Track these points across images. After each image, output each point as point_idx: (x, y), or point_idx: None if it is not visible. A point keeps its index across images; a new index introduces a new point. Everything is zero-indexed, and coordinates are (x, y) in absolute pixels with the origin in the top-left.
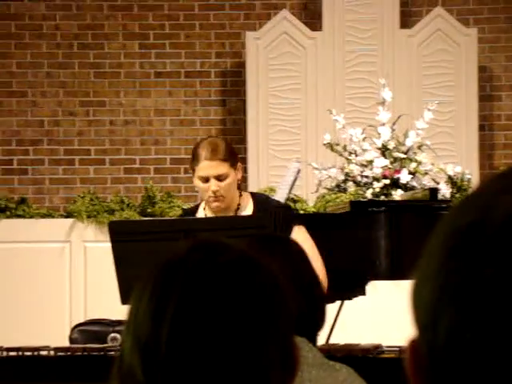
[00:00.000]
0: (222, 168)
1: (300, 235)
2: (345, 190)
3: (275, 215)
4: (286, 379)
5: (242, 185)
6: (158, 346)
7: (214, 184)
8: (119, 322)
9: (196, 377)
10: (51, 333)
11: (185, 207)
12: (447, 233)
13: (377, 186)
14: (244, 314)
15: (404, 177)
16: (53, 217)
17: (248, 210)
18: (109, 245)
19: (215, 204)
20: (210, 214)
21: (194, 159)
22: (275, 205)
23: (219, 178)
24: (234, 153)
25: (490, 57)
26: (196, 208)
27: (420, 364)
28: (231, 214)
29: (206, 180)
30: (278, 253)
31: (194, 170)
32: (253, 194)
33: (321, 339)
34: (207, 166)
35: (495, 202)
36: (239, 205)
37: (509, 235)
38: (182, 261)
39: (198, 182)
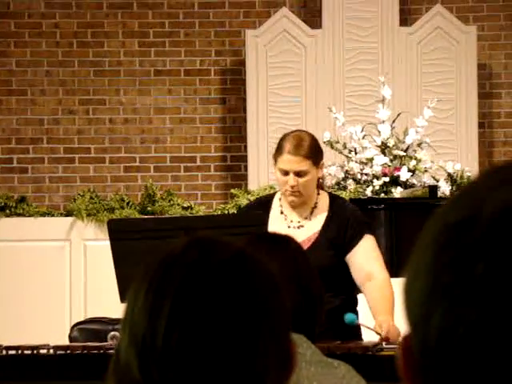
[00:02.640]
0: (304, 165)
1: (368, 243)
2: (345, 188)
3: (349, 220)
4: (282, 376)
5: (322, 183)
6: (154, 342)
7: (292, 179)
8: (119, 321)
9: (192, 374)
10: (51, 331)
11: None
12: (438, 229)
13: (377, 183)
14: (240, 311)
15: (404, 174)
16: (53, 215)
17: (323, 209)
18: (108, 243)
19: (291, 198)
20: (285, 207)
21: (278, 150)
22: (352, 209)
23: (299, 174)
24: (319, 150)
25: (490, 54)
26: (272, 197)
27: (412, 361)
28: (308, 211)
29: (285, 173)
30: (277, 251)
31: (275, 161)
32: (331, 195)
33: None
34: (289, 161)
35: (486, 198)
36: (316, 203)
37: (499, 231)
38: (179, 258)
39: (277, 173)
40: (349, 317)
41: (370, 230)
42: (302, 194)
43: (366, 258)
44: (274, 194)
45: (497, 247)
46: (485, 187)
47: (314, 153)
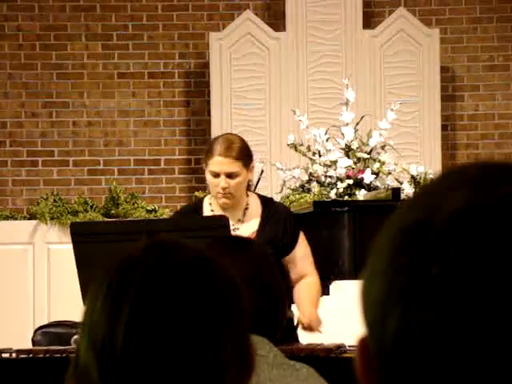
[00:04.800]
0: (235, 166)
1: (304, 244)
2: (309, 191)
3: (285, 220)
4: (242, 379)
5: (251, 185)
6: (114, 345)
7: (223, 181)
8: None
9: (151, 377)
10: (14, 335)
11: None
12: (394, 231)
13: (340, 186)
14: (199, 314)
15: (367, 177)
16: (16, 219)
17: (256, 210)
18: (72, 246)
19: (223, 200)
20: (217, 210)
21: (208, 153)
22: (284, 207)
23: (230, 176)
24: (249, 152)
25: (453, 57)
26: (200, 203)
27: (369, 362)
28: (240, 213)
29: (216, 175)
30: (240, 253)
31: (206, 164)
32: (260, 196)
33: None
34: (220, 162)
35: (442, 201)
36: (248, 204)
37: (455, 233)
38: (138, 260)
39: (208, 176)
40: None
41: (300, 225)
42: (233, 195)
43: (302, 259)
44: (201, 199)
45: (452, 249)
46: (441, 190)
47: (244, 155)
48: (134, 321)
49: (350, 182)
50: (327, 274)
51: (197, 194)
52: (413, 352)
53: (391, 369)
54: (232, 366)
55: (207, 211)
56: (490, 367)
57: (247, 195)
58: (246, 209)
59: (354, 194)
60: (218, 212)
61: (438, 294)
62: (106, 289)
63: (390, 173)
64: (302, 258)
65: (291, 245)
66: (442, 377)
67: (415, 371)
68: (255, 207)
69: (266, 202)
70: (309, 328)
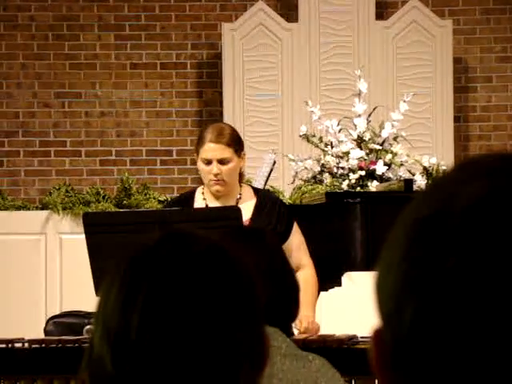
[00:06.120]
0: (226, 152)
1: (298, 233)
2: (321, 182)
3: (279, 208)
4: (256, 369)
5: (242, 175)
6: (128, 336)
7: (216, 167)
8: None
9: (165, 367)
10: (26, 325)
11: (166, 196)
12: (410, 222)
13: (353, 177)
14: (213, 304)
15: (380, 168)
16: (28, 209)
17: (250, 200)
18: (84, 237)
19: (215, 187)
20: (209, 199)
21: (199, 141)
22: (277, 197)
23: (222, 162)
24: (240, 140)
25: (466, 48)
26: (192, 193)
27: (384, 353)
28: (232, 203)
29: (208, 163)
30: (253, 244)
31: (198, 153)
32: (252, 187)
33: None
34: (211, 149)
35: (457, 192)
36: (240, 194)
37: (470, 225)
38: (152, 251)
39: (200, 164)
40: None
41: (293, 215)
42: (226, 182)
43: (297, 249)
44: (193, 190)
45: (467, 241)
46: (457, 180)
47: (235, 141)
48: (148, 312)
49: (363, 173)
50: (339, 266)
51: None
52: (428, 343)
53: (406, 360)
54: (246, 357)
55: (199, 201)
56: (505, 359)
57: (240, 185)
58: (239, 198)
59: (366, 185)
60: (211, 202)
61: (453, 285)
62: (120, 279)
63: (402, 164)
64: (297, 247)
65: (285, 234)
66: (458, 368)
67: (431, 362)
68: (248, 197)
69: (258, 192)
70: (305, 333)
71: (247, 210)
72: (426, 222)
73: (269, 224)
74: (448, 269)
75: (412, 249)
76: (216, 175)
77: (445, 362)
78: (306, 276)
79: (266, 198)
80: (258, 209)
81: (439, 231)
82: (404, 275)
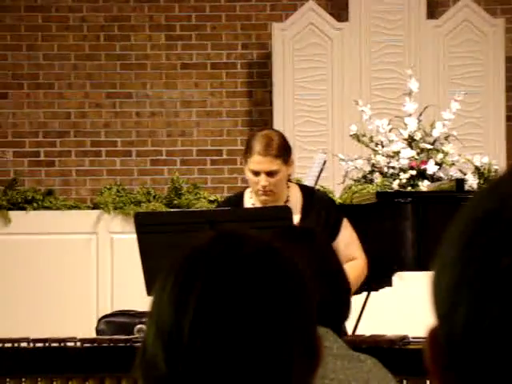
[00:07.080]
0: (275, 165)
1: (348, 229)
2: (371, 181)
3: (327, 207)
4: (309, 370)
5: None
6: (181, 335)
7: (264, 179)
8: (146, 313)
9: (218, 366)
10: (78, 324)
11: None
12: (466, 221)
13: (403, 176)
14: (266, 305)
15: (431, 168)
16: (79, 208)
17: (297, 201)
18: (135, 236)
19: (263, 198)
20: (257, 203)
21: (247, 151)
22: (325, 195)
23: (270, 174)
24: (288, 148)
25: None
26: (241, 195)
27: (439, 353)
28: (280, 204)
29: (256, 173)
30: (304, 244)
31: (246, 161)
32: (300, 185)
33: (347, 330)
34: (259, 161)
35: None
36: (288, 196)
37: None
38: (205, 251)
39: (248, 174)
40: None
41: (342, 213)
42: (274, 192)
43: (348, 244)
44: (242, 191)
45: None
46: None
47: (283, 151)
48: (202, 311)
49: (413, 172)
50: (390, 265)
51: None
52: (482, 343)
53: (461, 360)
54: (299, 358)
55: (248, 204)
56: None
57: (288, 186)
58: (287, 201)
59: (417, 184)
60: (259, 205)
61: (506, 286)
62: (173, 280)
63: (453, 164)
64: (348, 242)
65: (334, 230)
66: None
67: (484, 363)
68: (296, 199)
69: (306, 192)
70: None
71: (295, 212)
72: (480, 222)
73: (317, 223)
74: (501, 269)
75: (467, 248)
76: (264, 187)
77: (498, 363)
78: (353, 263)
79: (313, 200)
80: (305, 211)
81: (494, 232)
82: (458, 275)
